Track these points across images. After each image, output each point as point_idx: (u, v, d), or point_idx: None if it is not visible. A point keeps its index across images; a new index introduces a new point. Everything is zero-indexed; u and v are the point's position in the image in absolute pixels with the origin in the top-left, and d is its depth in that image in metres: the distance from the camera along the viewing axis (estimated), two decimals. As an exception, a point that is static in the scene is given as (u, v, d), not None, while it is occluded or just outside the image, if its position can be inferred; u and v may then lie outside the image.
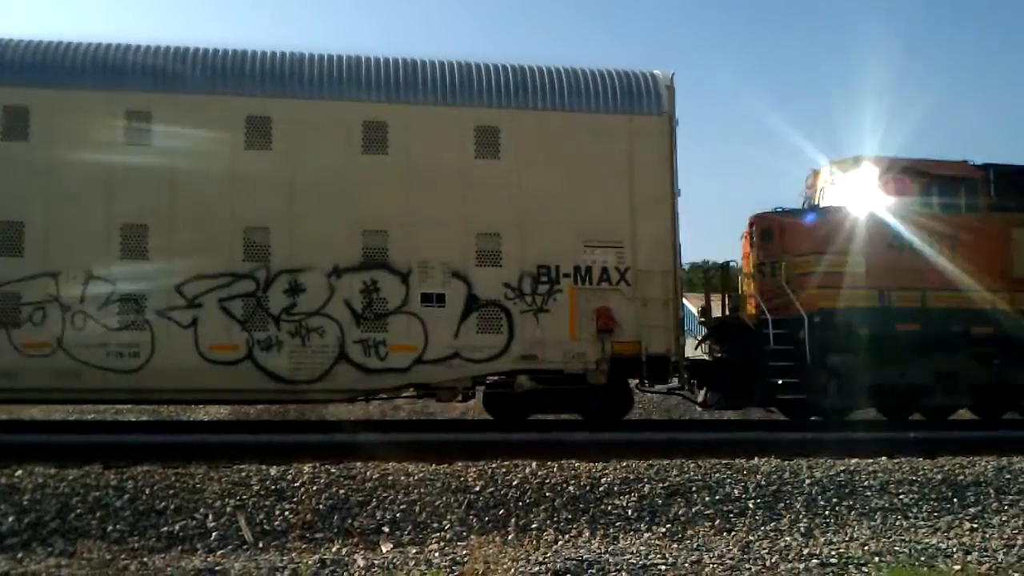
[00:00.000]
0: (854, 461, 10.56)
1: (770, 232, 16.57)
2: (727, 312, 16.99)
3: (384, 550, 7.34)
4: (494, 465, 9.56)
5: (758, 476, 9.64)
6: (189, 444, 11.06)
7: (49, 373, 13.77)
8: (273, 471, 9.01)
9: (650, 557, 6.99)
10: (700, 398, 16.83)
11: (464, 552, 7.07)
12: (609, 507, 8.58)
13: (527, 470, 9.42)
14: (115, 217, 14.20)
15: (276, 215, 14.54)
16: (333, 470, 9.12)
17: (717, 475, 9.60)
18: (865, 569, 6.79)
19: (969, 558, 7.21)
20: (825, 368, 15.44)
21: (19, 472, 8.63)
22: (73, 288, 13.98)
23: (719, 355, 17.18)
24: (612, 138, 15.43)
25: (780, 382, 15.34)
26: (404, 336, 14.62)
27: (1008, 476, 10.12)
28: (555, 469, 9.49)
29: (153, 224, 14.24)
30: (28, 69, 14.34)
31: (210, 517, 7.82)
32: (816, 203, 17.33)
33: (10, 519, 7.62)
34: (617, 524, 8.25)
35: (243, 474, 8.88)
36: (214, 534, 7.56)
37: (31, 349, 13.82)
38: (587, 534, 7.98)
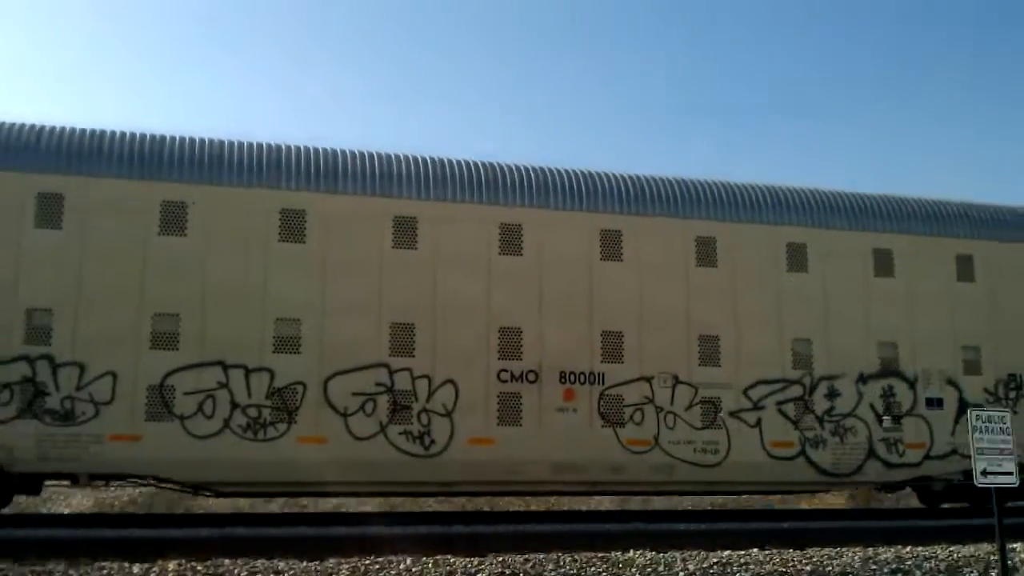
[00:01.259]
0: (727, 553, 10.88)
1: None
2: None
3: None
4: (367, 561, 9.54)
5: (633, 569, 9.72)
6: (47, 540, 10.69)
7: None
8: (136, 569, 8.69)
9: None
10: None
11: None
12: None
13: (402, 566, 9.36)
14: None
15: (815, 328, 16.81)
16: (199, 567, 8.89)
17: (592, 569, 9.64)
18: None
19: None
20: None
21: None
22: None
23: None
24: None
25: None
26: (914, 435, 17.06)
27: (874, 567, 10.63)
28: (430, 565, 9.41)
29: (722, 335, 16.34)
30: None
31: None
32: None
33: None
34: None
35: (104, 572, 8.49)
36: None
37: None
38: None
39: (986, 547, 11.88)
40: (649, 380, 15.89)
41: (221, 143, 15.17)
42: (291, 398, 14.34)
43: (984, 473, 10.26)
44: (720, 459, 16.01)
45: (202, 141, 15.08)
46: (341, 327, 14.65)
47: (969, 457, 16.70)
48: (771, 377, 16.48)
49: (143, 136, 14.88)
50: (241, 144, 15.25)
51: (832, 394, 16.74)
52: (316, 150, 15.54)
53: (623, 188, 16.51)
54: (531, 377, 15.30)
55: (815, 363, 16.74)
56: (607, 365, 15.69)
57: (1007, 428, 10.48)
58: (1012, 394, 17.73)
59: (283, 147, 15.41)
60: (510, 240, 15.69)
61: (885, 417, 16.87)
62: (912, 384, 17.18)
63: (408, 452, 14.65)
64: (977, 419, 10.46)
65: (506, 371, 15.22)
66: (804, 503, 21.83)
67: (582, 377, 15.53)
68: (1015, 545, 12.00)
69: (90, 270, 14.00)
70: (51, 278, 13.85)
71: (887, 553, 11.27)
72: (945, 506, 17.74)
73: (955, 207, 18.36)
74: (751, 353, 16.41)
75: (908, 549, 11.77)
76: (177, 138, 15.06)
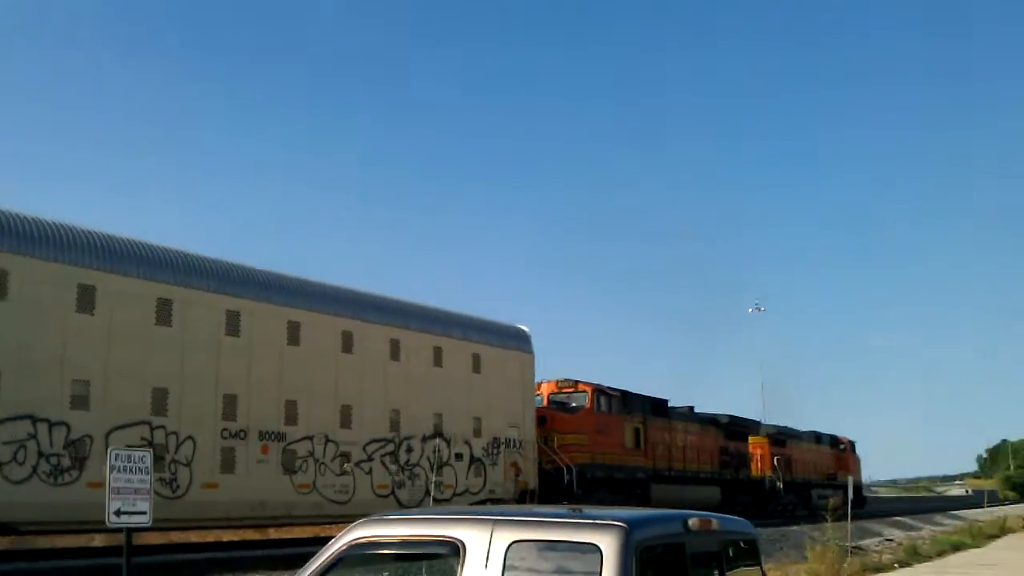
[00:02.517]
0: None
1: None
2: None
3: None
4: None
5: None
6: None
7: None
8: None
9: None
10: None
11: None
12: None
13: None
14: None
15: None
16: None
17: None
18: None
19: None
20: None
21: None
22: (319, 447, 21.28)
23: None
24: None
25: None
26: (448, 479, 24.77)
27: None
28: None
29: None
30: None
31: None
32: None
33: None
34: None
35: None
36: None
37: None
38: None
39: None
40: (311, 438, 21.08)
41: (35, 219, 16.92)
42: (82, 448, 16.66)
43: (118, 513, 9.69)
44: (348, 498, 21.78)
45: (23, 216, 16.59)
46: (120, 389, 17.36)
47: (478, 492, 25.34)
48: (380, 437, 22.81)
49: None
50: (48, 222, 17.11)
51: (408, 449, 23.64)
52: (112, 236, 17.98)
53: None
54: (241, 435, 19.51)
55: (402, 427, 23.51)
56: (288, 427, 20.55)
57: (146, 468, 10.03)
58: (496, 450, 26.51)
59: (82, 229, 17.51)
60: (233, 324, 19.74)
61: (435, 466, 24.29)
62: (448, 443, 24.89)
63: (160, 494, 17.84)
64: (116, 459, 9.79)
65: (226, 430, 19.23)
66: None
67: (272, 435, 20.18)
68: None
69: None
70: None
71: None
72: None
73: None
74: (372, 419, 22.56)
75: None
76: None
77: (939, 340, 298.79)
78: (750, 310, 68.12)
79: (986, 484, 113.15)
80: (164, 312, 18.43)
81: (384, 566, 5.21)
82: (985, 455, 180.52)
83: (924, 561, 28.77)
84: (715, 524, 5.06)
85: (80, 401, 16.79)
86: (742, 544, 5.56)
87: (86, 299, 17.11)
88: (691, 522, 4.79)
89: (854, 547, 26.42)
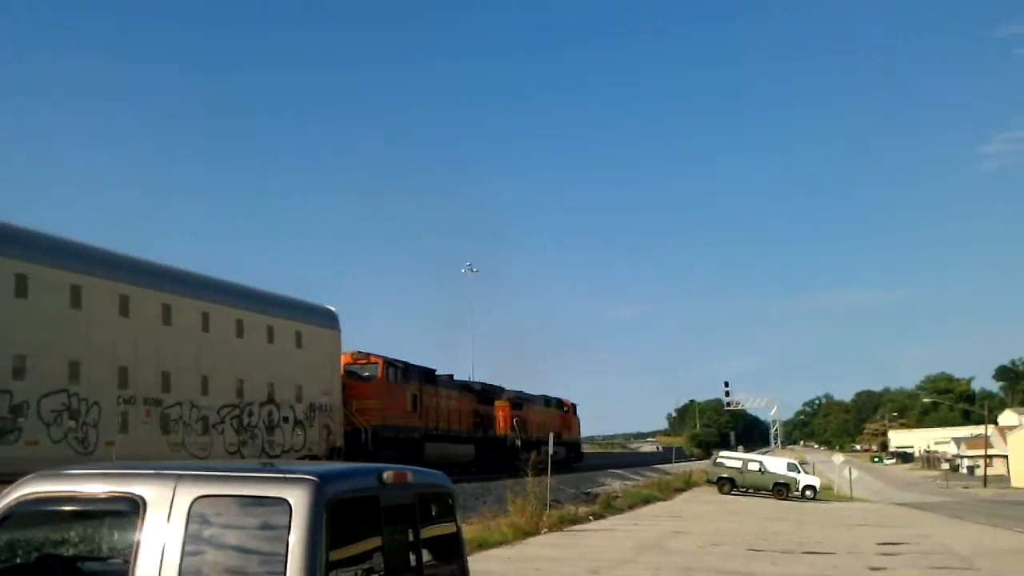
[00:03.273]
0: None
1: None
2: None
3: None
4: None
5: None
6: None
7: None
8: None
9: None
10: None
11: None
12: None
13: None
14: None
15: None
16: None
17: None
18: None
19: None
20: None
21: None
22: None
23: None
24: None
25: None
26: (278, 438, 29.13)
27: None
28: None
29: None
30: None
31: None
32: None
33: None
34: None
35: None
36: None
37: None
38: None
39: None
40: (180, 404, 24.87)
41: None
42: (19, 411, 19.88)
43: None
44: (207, 454, 25.70)
45: None
46: None
47: (300, 450, 29.80)
48: (229, 403, 26.82)
49: None
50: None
51: (250, 413, 27.78)
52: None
53: None
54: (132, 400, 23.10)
55: (245, 394, 27.60)
56: (164, 394, 24.28)
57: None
58: (312, 414, 31.07)
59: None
60: None
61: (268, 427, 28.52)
62: (279, 407, 29.22)
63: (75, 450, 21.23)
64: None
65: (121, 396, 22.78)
66: None
67: None
68: None
69: None
70: None
71: None
72: None
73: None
74: (223, 387, 26.53)
75: None
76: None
77: (655, 314, 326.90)
78: (462, 271, 74.66)
79: (675, 441, 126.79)
80: (76, 297, 21.69)
81: (67, 524, 4.92)
82: (675, 414, 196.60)
83: (617, 513, 34.11)
84: (410, 477, 5.07)
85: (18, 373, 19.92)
86: (438, 497, 5.66)
87: (21, 286, 20.19)
88: (385, 475, 4.78)
89: (553, 501, 29.52)
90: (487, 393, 48.45)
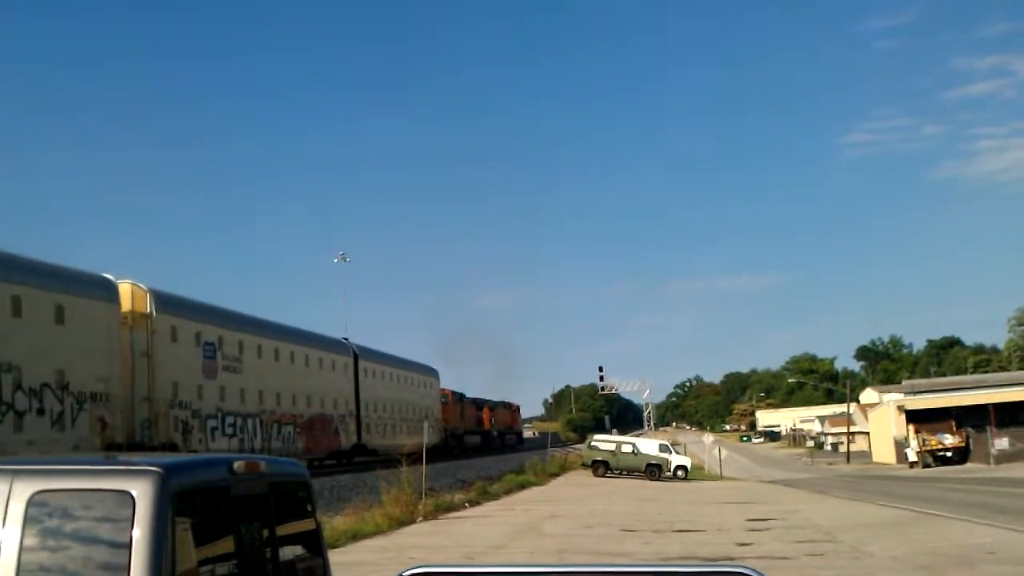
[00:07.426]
0: None
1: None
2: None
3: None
4: None
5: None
6: None
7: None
8: None
9: None
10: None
11: None
12: None
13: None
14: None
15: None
16: None
17: None
18: None
19: None
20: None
21: None
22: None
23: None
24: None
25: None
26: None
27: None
28: None
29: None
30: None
31: None
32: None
33: None
34: None
35: None
36: None
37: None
38: None
39: None
40: None
41: None
42: None
43: None
44: None
45: None
46: None
47: None
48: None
49: None
50: None
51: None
52: None
53: None
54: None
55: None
56: None
57: None
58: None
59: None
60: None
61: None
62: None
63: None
64: None
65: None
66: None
67: None
68: None
69: None
70: None
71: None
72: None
73: None
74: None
75: None
76: None
77: (538, 301, 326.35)
78: (335, 260, 73.54)
79: (551, 427, 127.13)
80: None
81: None
82: (551, 400, 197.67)
83: (493, 499, 33.87)
84: (263, 467, 4.98)
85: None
86: (294, 486, 5.51)
87: None
88: (236, 465, 4.72)
89: (429, 489, 28.70)
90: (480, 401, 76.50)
